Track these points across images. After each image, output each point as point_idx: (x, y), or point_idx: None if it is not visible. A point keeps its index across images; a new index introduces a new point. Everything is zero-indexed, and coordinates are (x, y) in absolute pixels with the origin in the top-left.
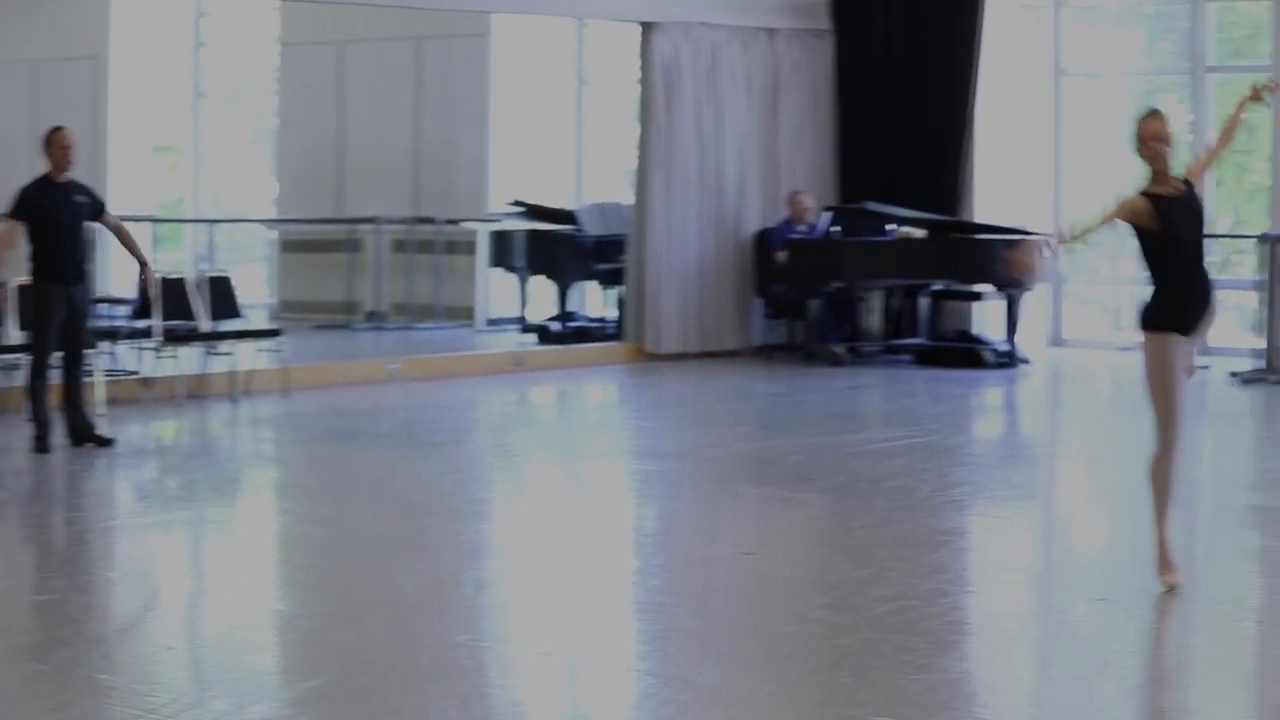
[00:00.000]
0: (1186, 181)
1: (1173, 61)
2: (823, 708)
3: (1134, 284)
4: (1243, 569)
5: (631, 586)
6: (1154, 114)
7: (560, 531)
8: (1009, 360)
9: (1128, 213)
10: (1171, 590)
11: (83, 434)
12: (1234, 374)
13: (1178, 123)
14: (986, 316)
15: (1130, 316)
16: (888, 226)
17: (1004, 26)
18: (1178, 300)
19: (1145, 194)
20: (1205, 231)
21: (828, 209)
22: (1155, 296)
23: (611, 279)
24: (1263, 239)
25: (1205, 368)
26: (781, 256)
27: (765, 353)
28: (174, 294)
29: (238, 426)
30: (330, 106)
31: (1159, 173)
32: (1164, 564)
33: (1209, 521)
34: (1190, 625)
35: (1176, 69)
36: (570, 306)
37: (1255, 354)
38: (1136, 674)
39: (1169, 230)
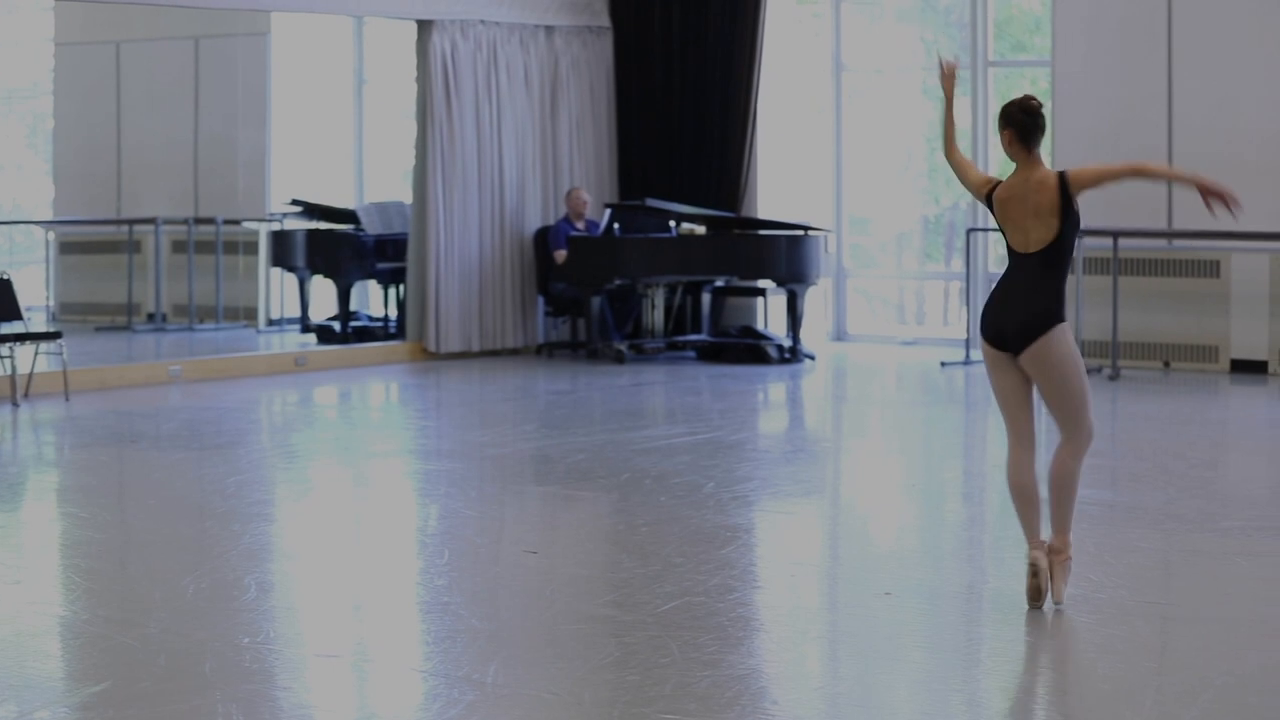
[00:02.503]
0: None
1: (954, 56)
2: (610, 706)
3: (915, 278)
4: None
5: (416, 587)
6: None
7: (344, 532)
8: (792, 356)
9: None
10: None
11: None
12: None
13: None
14: (769, 312)
15: (913, 311)
16: (669, 223)
17: (784, 22)
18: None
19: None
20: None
21: (608, 206)
22: (1063, 290)
23: (392, 278)
24: None
25: None
26: (562, 255)
27: (547, 351)
28: None
29: (18, 430)
30: (108, 106)
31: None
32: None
33: (996, 514)
34: (977, 618)
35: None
36: (352, 306)
37: None
38: (925, 667)
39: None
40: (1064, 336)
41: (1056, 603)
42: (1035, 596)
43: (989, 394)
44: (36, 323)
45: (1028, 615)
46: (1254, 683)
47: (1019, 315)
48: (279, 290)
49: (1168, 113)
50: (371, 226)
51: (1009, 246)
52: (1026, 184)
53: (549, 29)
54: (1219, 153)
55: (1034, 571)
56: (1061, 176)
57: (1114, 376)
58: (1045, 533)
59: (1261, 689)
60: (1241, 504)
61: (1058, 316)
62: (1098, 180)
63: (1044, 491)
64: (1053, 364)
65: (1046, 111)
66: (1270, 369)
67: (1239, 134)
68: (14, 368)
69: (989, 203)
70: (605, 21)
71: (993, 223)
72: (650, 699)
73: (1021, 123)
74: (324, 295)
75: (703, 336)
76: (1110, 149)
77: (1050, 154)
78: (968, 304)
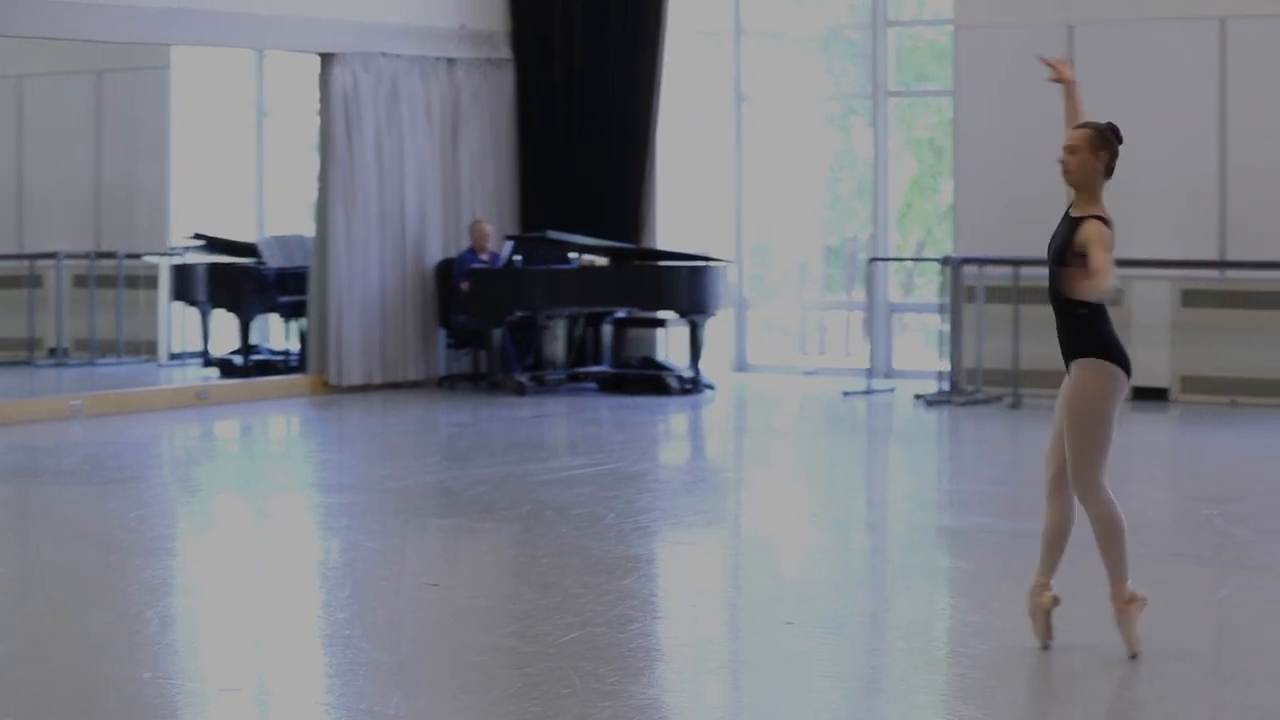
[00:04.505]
0: (1090, 217)
1: (855, 86)
2: None
3: (817, 308)
4: (932, 590)
5: (318, 620)
6: (1080, 127)
7: (246, 566)
8: (693, 386)
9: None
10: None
11: None
12: (918, 396)
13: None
14: (670, 343)
15: (814, 341)
16: (570, 255)
17: (685, 53)
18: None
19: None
20: (1060, 269)
21: (509, 238)
22: (1107, 325)
23: (294, 311)
24: (946, 261)
25: (890, 390)
26: (464, 286)
27: (449, 383)
28: None
29: None
30: (8, 141)
31: (1076, 191)
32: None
33: (899, 543)
34: (880, 648)
35: (859, 94)
36: (253, 339)
37: (939, 376)
38: (828, 697)
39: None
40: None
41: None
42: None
43: (892, 423)
44: None
45: (928, 644)
46: (1151, 708)
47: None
48: (180, 324)
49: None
50: (273, 260)
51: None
52: None
53: (450, 61)
54: (1117, 182)
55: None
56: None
57: (1015, 405)
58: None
59: (1158, 714)
60: (1141, 531)
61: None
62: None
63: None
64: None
65: (945, 143)
66: (1171, 396)
67: (1137, 164)
68: None
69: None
70: (506, 54)
71: (894, 252)
72: None
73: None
74: (225, 329)
75: (604, 368)
76: (1011, 179)
77: (952, 183)
78: (869, 334)
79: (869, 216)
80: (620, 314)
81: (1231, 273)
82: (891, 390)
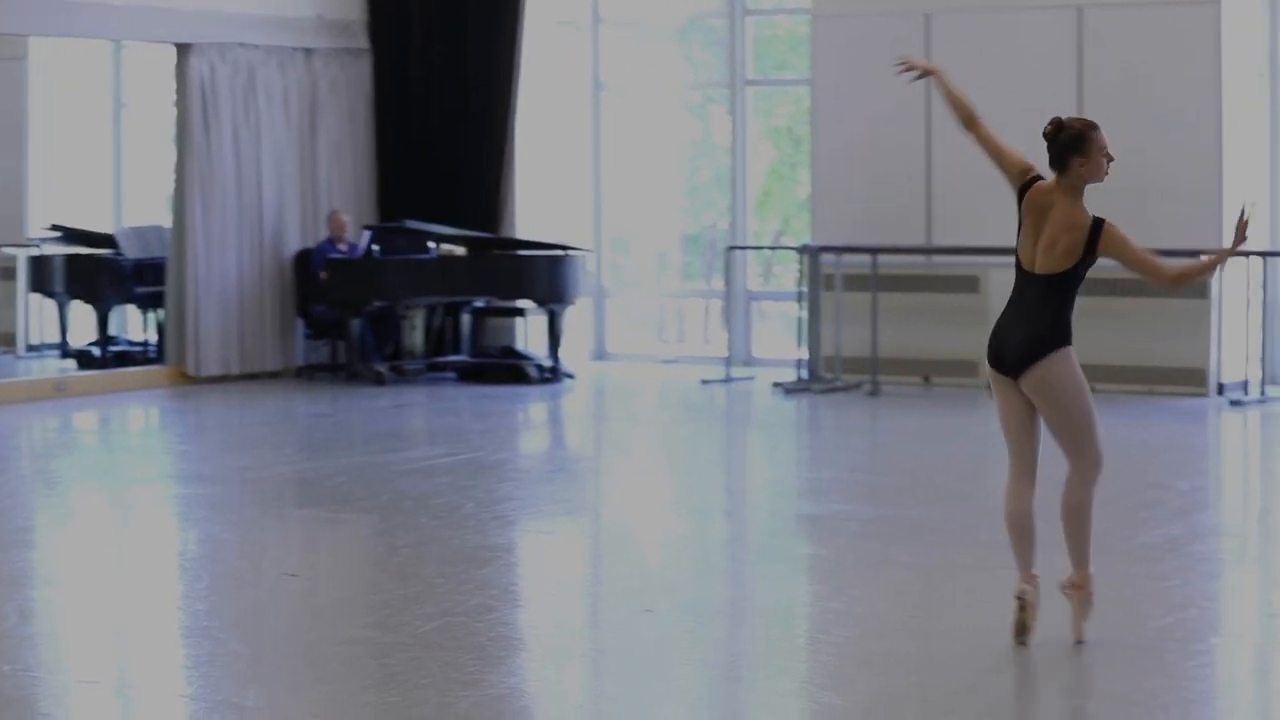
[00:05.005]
0: (1097, 226)
1: (713, 75)
2: None
3: (676, 297)
4: (792, 578)
5: (177, 612)
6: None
7: (105, 558)
8: (553, 375)
9: (1016, 168)
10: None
11: None
12: (777, 384)
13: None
14: (529, 332)
15: (673, 330)
16: (428, 244)
17: (543, 43)
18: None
19: (1038, 177)
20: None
21: (367, 228)
22: (1067, 315)
23: (152, 302)
24: (804, 249)
25: (749, 378)
26: (322, 276)
27: (308, 373)
28: None
29: None
30: None
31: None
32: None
33: (760, 530)
34: (741, 635)
35: (717, 82)
36: (111, 330)
37: (798, 364)
38: (688, 684)
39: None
40: (1064, 361)
41: (1078, 640)
42: (1020, 632)
43: (751, 411)
44: None
45: (789, 631)
46: (1012, 694)
47: (1018, 338)
48: (38, 316)
49: (926, 131)
50: (130, 251)
51: (1017, 259)
52: (1056, 210)
53: (308, 52)
54: (976, 171)
55: (1021, 606)
56: (1095, 229)
57: (874, 392)
58: (1039, 565)
59: (1019, 700)
60: (1000, 517)
61: (1058, 341)
62: (1122, 259)
63: (1035, 522)
64: (1051, 389)
65: (803, 132)
66: None
67: None
68: None
69: (1020, 196)
70: (364, 44)
71: (752, 240)
72: None
73: (1049, 143)
74: (83, 320)
75: (463, 357)
76: (868, 167)
77: (810, 172)
78: (727, 322)
79: (727, 205)
80: (479, 303)
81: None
82: (750, 378)
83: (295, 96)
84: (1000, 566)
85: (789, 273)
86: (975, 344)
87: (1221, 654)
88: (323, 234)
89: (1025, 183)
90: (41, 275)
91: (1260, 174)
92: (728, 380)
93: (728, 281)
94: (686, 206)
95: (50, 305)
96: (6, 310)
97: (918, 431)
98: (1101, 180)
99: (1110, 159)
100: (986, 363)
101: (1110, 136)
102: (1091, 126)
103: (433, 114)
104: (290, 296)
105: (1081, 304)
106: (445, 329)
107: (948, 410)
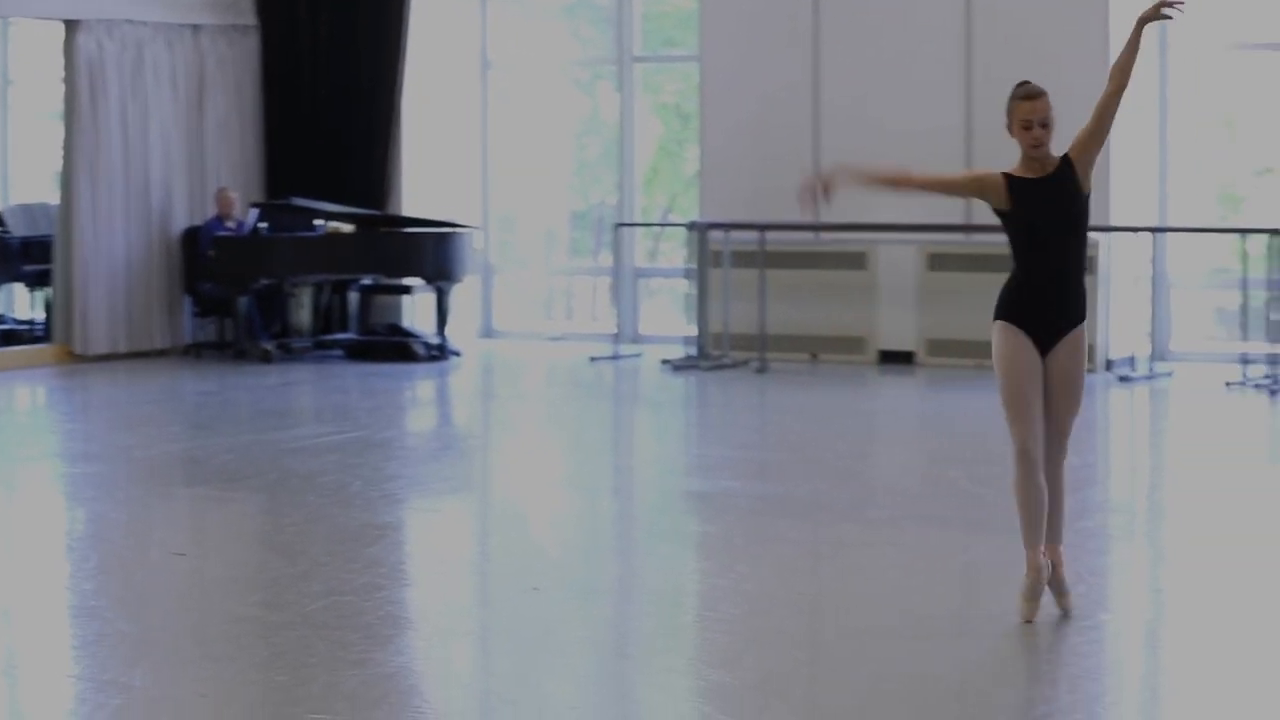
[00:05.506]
0: (1067, 160)
1: (601, 51)
2: (259, 707)
3: (564, 274)
4: (680, 555)
5: (64, 591)
6: (1031, 95)
7: None
8: (440, 353)
9: (976, 185)
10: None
11: None
12: (666, 361)
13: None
14: (417, 310)
15: (561, 307)
16: (316, 222)
17: (430, 20)
18: (1025, 293)
19: (1005, 173)
20: (1076, 221)
21: (255, 205)
22: (1008, 283)
23: (39, 280)
24: (692, 226)
25: (637, 355)
26: (210, 254)
27: (195, 351)
28: None
29: None
30: None
31: (1030, 157)
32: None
33: (648, 508)
34: (630, 613)
35: (605, 59)
36: None
37: (686, 341)
38: (576, 662)
39: (1024, 216)
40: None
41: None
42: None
43: (639, 388)
44: None
45: (677, 609)
46: (900, 670)
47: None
48: None
49: (813, 107)
50: (17, 228)
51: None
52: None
53: (195, 28)
54: (865, 146)
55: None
56: (1065, 161)
57: (762, 369)
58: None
59: (907, 676)
60: (889, 494)
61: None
62: (1093, 139)
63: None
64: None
65: (692, 108)
66: (917, 359)
67: (886, 128)
68: None
69: (1010, 194)
70: (252, 20)
71: (640, 217)
72: (298, 699)
73: None
74: None
75: (350, 335)
76: (756, 144)
77: (698, 149)
78: (616, 299)
79: (615, 182)
80: (366, 281)
81: (977, 236)
82: (638, 355)
83: (183, 73)
84: (889, 543)
85: (677, 250)
86: (863, 320)
87: (1110, 630)
88: (210, 211)
89: (992, 182)
90: None
91: (1148, 152)
92: (616, 357)
93: (616, 258)
94: (574, 183)
95: None
96: None
97: (805, 408)
98: (1029, 150)
99: (1027, 127)
100: (1013, 323)
101: (998, 112)
102: (1013, 96)
103: (320, 91)
104: (178, 274)
105: (963, 280)
106: (332, 307)
107: (835, 387)
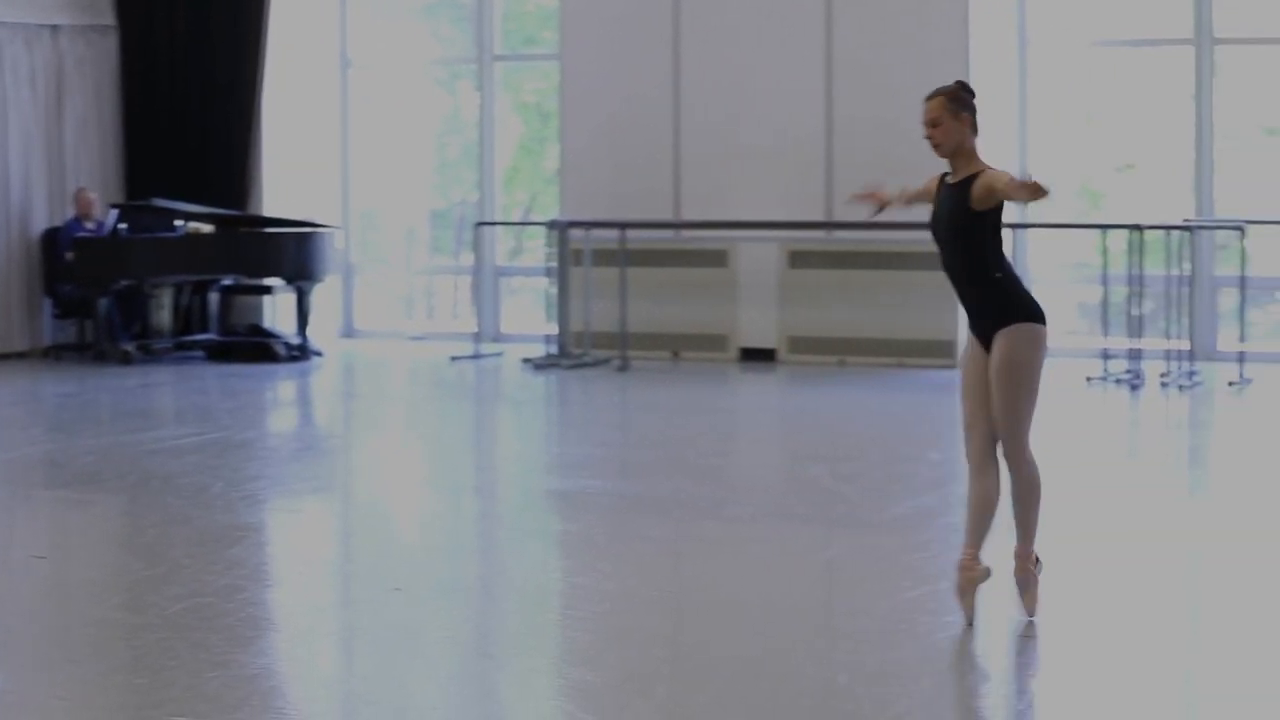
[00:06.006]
0: (974, 177)
1: (462, 50)
2: (120, 709)
3: (425, 273)
4: (544, 554)
5: None
6: (927, 97)
7: None
8: (301, 353)
9: (924, 190)
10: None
11: None
12: (527, 360)
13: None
14: (277, 310)
15: (422, 306)
16: (176, 222)
17: (290, 19)
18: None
19: (942, 174)
20: (958, 232)
21: (114, 206)
22: (1022, 285)
23: None
24: (553, 225)
25: (498, 354)
26: (69, 255)
27: (55, 353)
28: None
29: None
30: None
31: (951, 159)
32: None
33: (510, 507)
34: (492, 612)
35: (465, 58)
36: None
37: (548, 339)
38: (438, 662)
39: (932, 216)
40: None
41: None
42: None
43: (500, 387)
44: None
45: (539, 608)
46: (763, 667)
47: None
48: None
49: (675, 105)
50: None
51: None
52: None
53: (54, 28)
54: (726, 145)
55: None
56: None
57: (623, 367)
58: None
59: (770, 673)
60: (750, 491)
61: None
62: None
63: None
64: None
65: (552, 107)
66: (779, 357)
67: (745, 126)
68: None
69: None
70: (110, 20)
71: (501, 216)
72: (159, 701)
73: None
74: None
75: (211, 336)
76: (617, 142)
77: (559, 147)
78: (477, 298)
79: (476, 181)
80: (227, 281)
81: (837, 233)
82: (500, 354)
83: (42, 74)
84: (750, 540)
85: (538, 248)
86: (724, 318)
87: (973, 626)
88: (70, 212)
89: (933, 182)
90: None
91: (1009, 148)
92: (477, 356)
93: (477, 257)
94: (435, 182)
95: None
96: None
97: (667, 406)
98: (936, 151)
99: (925, 130)
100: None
101: (859, 111)
102: (925, 98)
103: (180, 91)
104: (37, 275)
105: (823, 277)
106: (193, 307)
107: (696, 384)
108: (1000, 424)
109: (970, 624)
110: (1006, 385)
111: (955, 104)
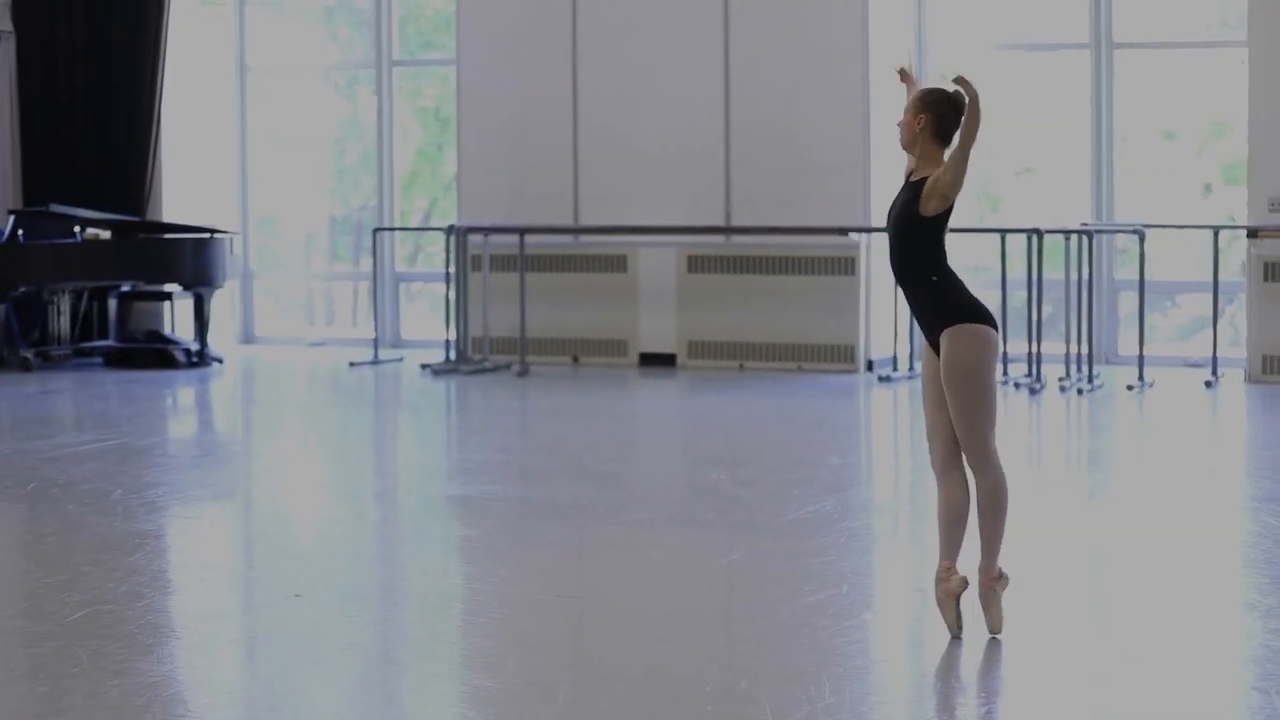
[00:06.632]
0: (925, 179)
1: (360, 55)
2: (20, 718)
3: (324, 279)
4: (446, 560)
5: None
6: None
7: None
8: (200, 359)
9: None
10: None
11: None
12: (425, 366)
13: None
14: (176, 316)
15: (322, 312)
16: (74, 228)
17: (188, 24)
18: None
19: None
20: (900, 230)
21: (11, 212)
22: (964, 288)
23: None
24: (451, 230)
25: (398, 360)
26: None
27: None
28: None
29: None
30: None
31: (916, 157)
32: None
33: (410, 513)
34: (394, 618)
35: (363, 63)
36: None
37: (447, 345)
38: (341, 668)
39: (887, 212)
40: None
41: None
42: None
43: (400, 393)
44: None
45: (441, 614)
46: (664, 672)
47: None
48: None
49: (573, 110)
50: None
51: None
52: None
53: None
54: (625, 149)
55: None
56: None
57: (523, 373)
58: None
59: (671, 679)
60: (650, 496)
61: None
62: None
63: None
64: None
65: (450, 112)
66: (679, 362)
67: (644, 130)
68: None
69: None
70: (8, 25)
71: (400, 221)
72: (60, 710)
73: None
74: None
75: (110, 342)
76: (515, 147)
77: (457, 153)
78: (375, 304)
79: (374, 186)
80: (125, 287)
81: (736, 238)
82: (399, 360)
83: None
84: (650, 545)
85: (437, 254)
86: (624, 323)
87: (874, 629)
88: None
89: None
90: None
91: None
92: (376, 362)
93: (376, 263)
94: (334, 188)
95: None
96: None
97: (567, 411)
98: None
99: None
100: (998, 334)
101: (757, 112)
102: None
103: (78, 96)
104: None
105: (733, 281)
106: (92, 314)
107: (596, 389)
108: (957, 429)
109: (956, 636)
110: (954, 388)
111: (918, 104)
